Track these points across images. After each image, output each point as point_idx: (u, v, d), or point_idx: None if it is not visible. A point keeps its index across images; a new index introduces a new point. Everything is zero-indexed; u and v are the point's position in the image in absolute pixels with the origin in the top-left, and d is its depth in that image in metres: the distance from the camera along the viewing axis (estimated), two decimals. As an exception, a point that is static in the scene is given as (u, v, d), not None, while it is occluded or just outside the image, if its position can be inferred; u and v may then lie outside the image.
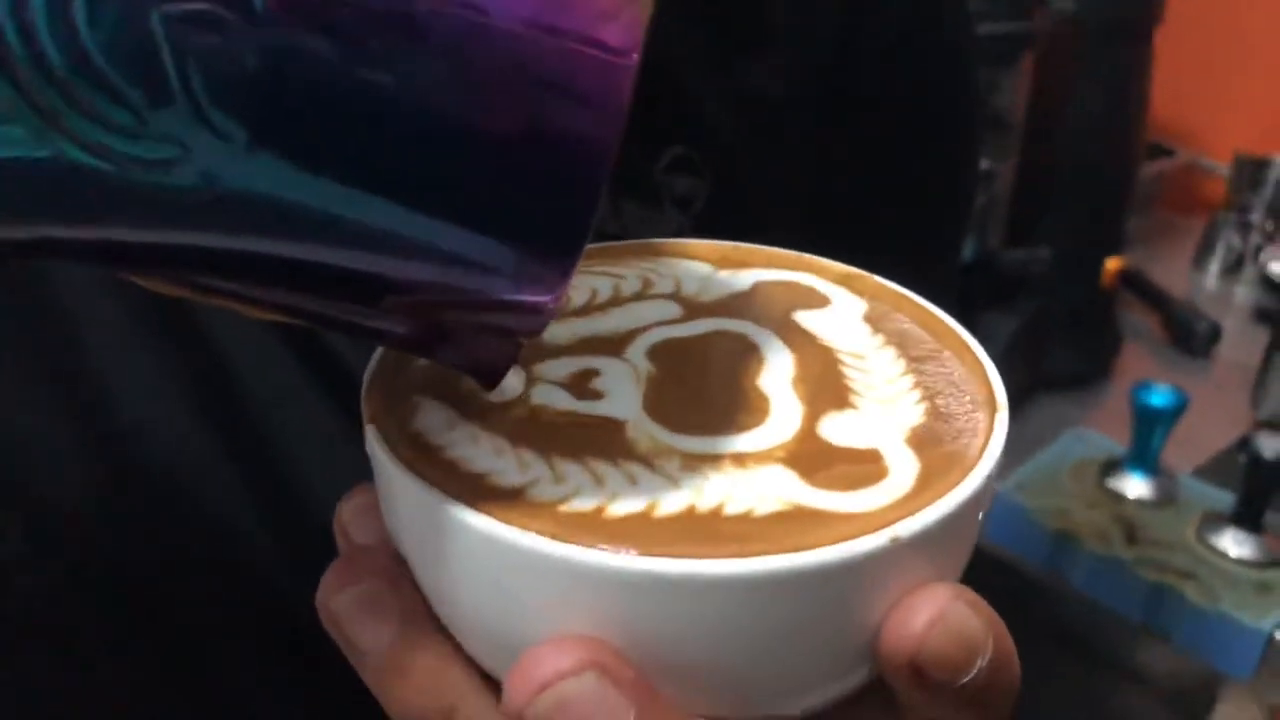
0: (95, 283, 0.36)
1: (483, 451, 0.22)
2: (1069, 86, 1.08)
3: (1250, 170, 1.35)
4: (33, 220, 0.18)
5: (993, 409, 0.25)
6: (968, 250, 1.07)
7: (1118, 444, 1.02)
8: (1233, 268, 1.35)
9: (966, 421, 0.24)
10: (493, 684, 0.23)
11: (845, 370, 0.26)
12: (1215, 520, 0.93)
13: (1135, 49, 1.09)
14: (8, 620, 0.35)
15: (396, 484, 0.22)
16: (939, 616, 0.21)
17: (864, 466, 0.23)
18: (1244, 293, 1.32)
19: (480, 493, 0.21)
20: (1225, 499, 0.95)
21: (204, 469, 0.37)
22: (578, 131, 0.18)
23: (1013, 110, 1.09)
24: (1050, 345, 1.13)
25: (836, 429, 0.24)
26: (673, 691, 0.21)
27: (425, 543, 0.22)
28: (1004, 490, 0.97)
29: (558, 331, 0.27)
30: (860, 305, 0.29)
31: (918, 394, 0.25)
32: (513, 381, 0.24)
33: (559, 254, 0.19)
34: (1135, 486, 0.98)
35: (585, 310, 0.28)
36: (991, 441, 0.23)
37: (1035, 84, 1.08)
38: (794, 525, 0.21)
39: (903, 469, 0.23)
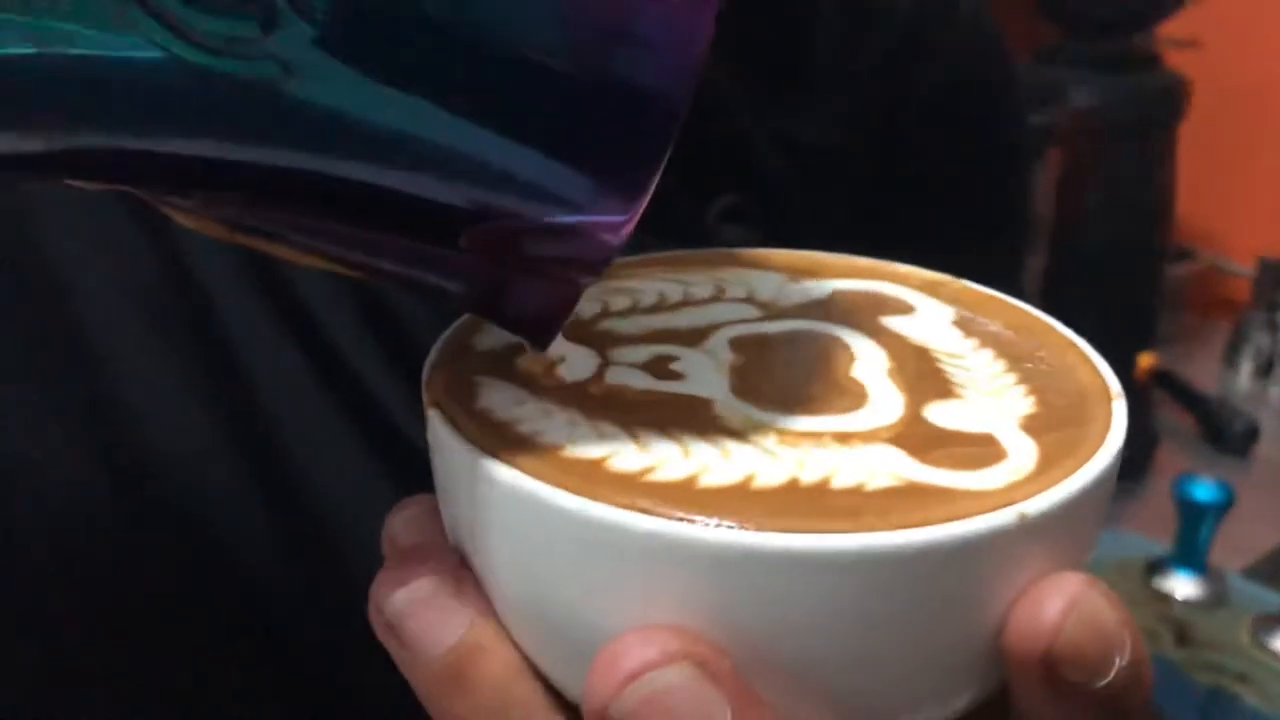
0: (123, 311, 0.34)
1: (556, 425, 0.20)
2: (1093, 180, 1.08)
3: (1275, 272, 1.35)
4: (106, 122, 0.17)
5: (1108, 398, 0.22)
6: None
7: (1157, 543, 0.98)
8: (1265, 367, 1.34)
9: (1082, 410, 0.22)
10: (566, 706, 0.21)
11: (943, 366, 0.24)
12: (1270, 622, 0.90)
13: (1157, 144, 1.10)
14: (24, 639, 0.33)
15: (460, 462, 0.20)
16: (1072, 605, 0.19)
17: (979, 449, 0.20)
18: (1278, 392, 1.30)
19: (555, 465, 0.19)
20: (1278, 600, 0.91)
21: (227, 500, 0.35)
22: (657, 66, 0.18)
23: (1038, 205, 1.09)
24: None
25: (944, 414, 0.22)
26: (772, 695, 0.18)
27: (492, 527, 0.20)
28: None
29: (628, 326, 0.25)
30: (948, 311, 0.27)
31: (1024, 387, 0.23)
32: (585, 361, 0.22)
33: (633, 174, 0.18)
34: (1184, 586, 0.94)
35: (656, 309, 0.26)
36: (1113, 426, 0.21)
37: (1059, 179, 1.08)
38: (912, 500, 0.19)
39: (1022, 451, 0.21)
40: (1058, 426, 0.22)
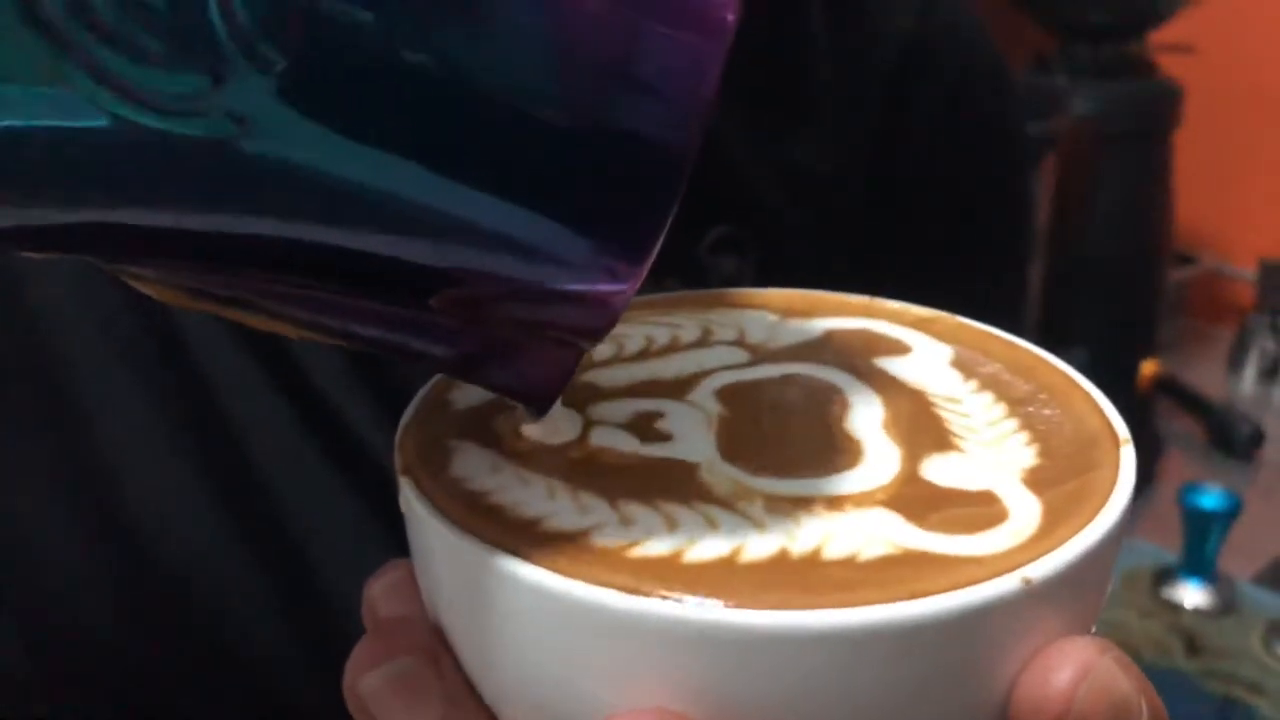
0: (113, 377, 0.34)
1: (534, 494, 0.19)
2: (1091, 187, 1.08)
3: (1277, 275, 1.34)
4: (43, 194, 0.16)
5: (1116, 442, 0.21)
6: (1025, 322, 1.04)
7: (1166, 551, 0.97)
8: (1270, 371, 1.33)
9: (1087, 459, 0.21)
10: None
11: (941, 414, 0.23)
12: (1282, 630, 0.88)
13: (1155, 150, 1.09)
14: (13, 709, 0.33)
15: (433, 536, 0.19)
16: (1084, 673, 0.18)
17: (980, 509, 0.19)
18: (1283, 395, 1.29)
19: (532, 540, 0.18)
20: (1290, 607, 0.90)
21: (219, 564, 0.34)
22: (661, 113, 0.16)
23: (1037, 214, 1.08)
24: (1089, 451, 1.09)
25: (941, 471, 0.21)
26: None
27: (468, 603, 0.19)
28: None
29: (612, 376, 0.24)
30: (945, 350, 0.26)
31: (1026, 435, 0.22)
32: (567, 423, 0.21)
33: (635, 241, 0.17)
34: (1193, 595, 0.93)
35: (642, 356, 0.25)
36: (1121, 476, 0.20)
37: (1058, 186, 1.07)
38: (908, 570, 0.18)
39: (1025, 510, 0.19)
40: (1062, 479, 0.21)
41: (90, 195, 0.16)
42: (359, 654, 0.20)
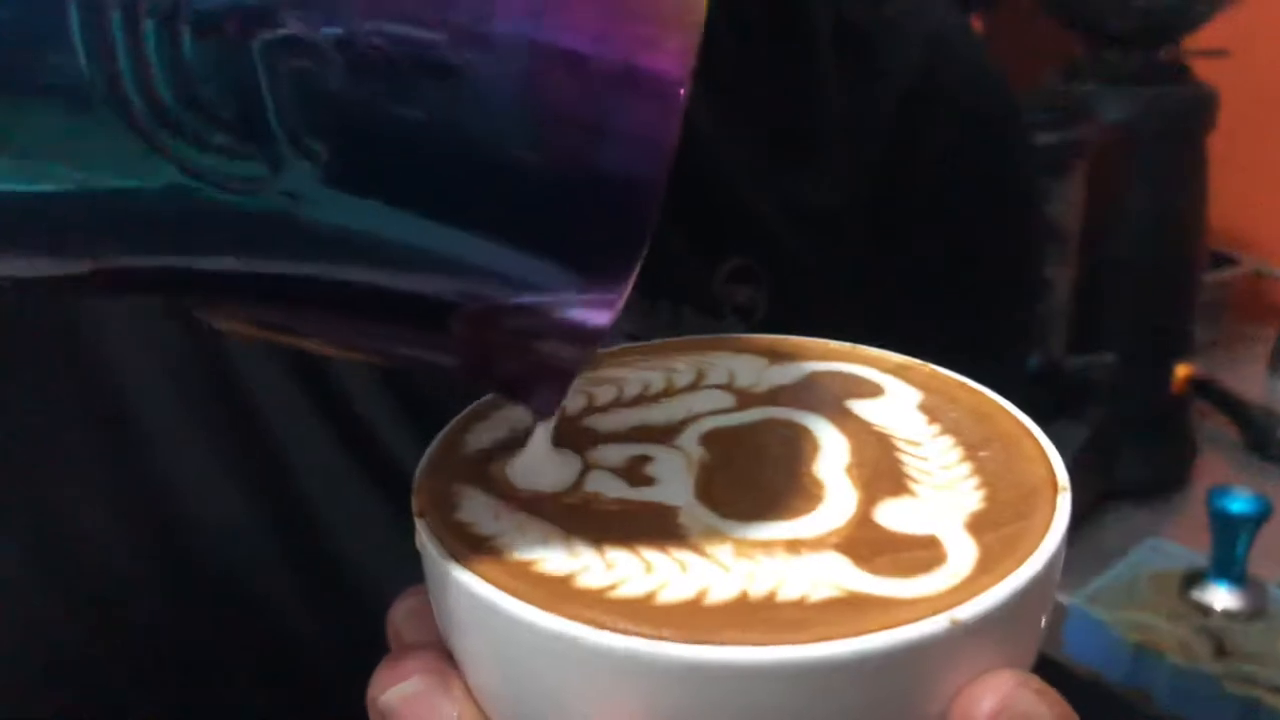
0: (166, 396, 0.37)
1: (531, 540, 0.22)
2: (1123, 193, 1.08)
3: (1319, 274, 1.33)
4: (138, 248, 0.20)
5: (1054, 490, 0.24)
6: (1031, 359, 1.05)
7: (1198, 554, 0.98)
8: (1309, 372, 1.32)
9: (1027, 505, 0.24)
10: None
11: (901, 457, 0.25)
12: (1310, 633, 0.89)
13: (1187, 154, 1.09)
14: (59, 691, 0.36)
15: (442, 575, 0.22)
16: (1003, 704, 0.20)
17: (921, 553, 0.22)
18: (1322, 397, 1.28)
19: (526, 580, 0.21)
20: (1318, 611, 0.91)
21: (259, 561, 0.38)
22: (625, 161, 0.19)
23: (1068, 218, 1.09)
24: (1122, 453, 1.10)
25: (893, 515, 0.23)
26: None
27: (470, 634, 0.22)
28: (1079, 603, 0.93)
29: (612, 421, 0.27)
30: (915, 395, 0.28)
31: (976, 480, 0.25)
32: (566, 469, 0.24)
33: (617, 261, 0.20)
34: (1222, 598, 0.94)
35: (638, 401, 0.28)
36: (1054, 522, 0.23)
37: (1089, 192, 1.08)
38: (850, 612, 0.20)
39: (961, 554, 0.22)
40: (1001, 523, 0.23)
41: (163, 247, 0.21)
42: (380, 672, 0.23)
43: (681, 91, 0.19)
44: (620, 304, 0.21)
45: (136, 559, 0.37)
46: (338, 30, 0.18)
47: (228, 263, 0.21)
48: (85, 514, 0.37)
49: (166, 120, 0.18)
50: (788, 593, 0.21)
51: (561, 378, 0.23)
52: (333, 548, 0.39)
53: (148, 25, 0.18)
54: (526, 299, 0.21)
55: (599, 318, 0.21)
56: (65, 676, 0.38)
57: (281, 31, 0.18)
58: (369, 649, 0.25)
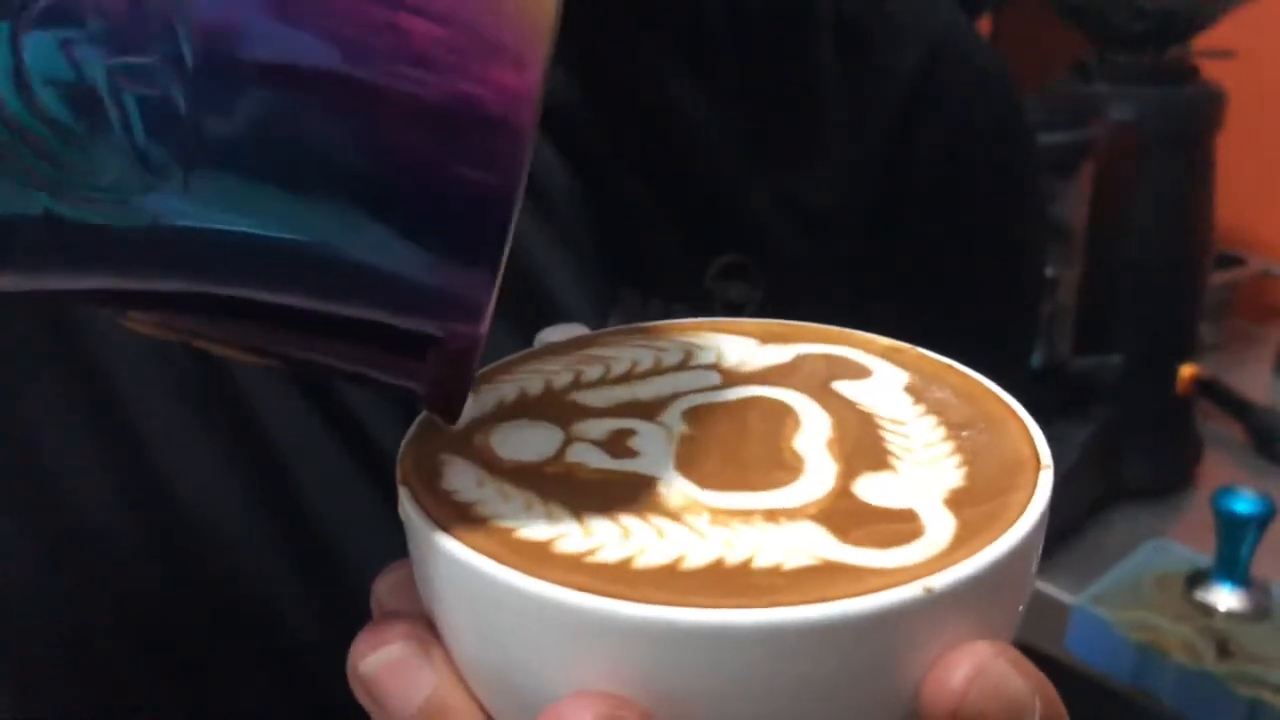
0: (164, 396, 0.38)
1: (512, 507, 0.22)
2: (1130, 193, 1.08)
3: (1328, 276, 1.33)
4: (19, 272, 0.21)
5: (1037, 468, 0.24)
6: (1036, 358, 1.05)
7: (1202, 554, 0.98)
8: (1316, 374, 1.31)
9: (1009, 481, 0.24)
10: None
11: (883, 434, 0.26)
12: (1314, 635, 0.89)
13: (1195, 155, 1.09)
14: (58, 689, 0.37)
15: (425, 541, 0.22)
16: (977, 673, 0.20)
17: (899, 525, 0.22)
18: (1330, 399, 1.28)
19: (506, 546, 0.21)
20: (1322, 612, 0.90)
21: (259, 560, 0.38)
22: (477, 177, 0.19)
23: (1074, 218, 1.08)
24: (1127, 454, 1.10)
25: (872, 489, 0.23)
26: None
27: (450, 599, 0.22)
28: (1083, 603, 0.93)
29: (598, 397, 0.27)
30: (902, 376, 0.28)
31: (958, 458, 0.25)
32: (546, 439, 0.24)
33: (475, 269, 0.20)
34: (1226, 599, 0.94)
35: (626, 378, 0.28)
36: (1035, 497, 0.23)
37: (1096, 192, 1.08)
38: (824, 579, 0.20)
39: (939, 527, 0.22)
40: (982, 499, 0.23)
41: (57, 268, 0.21)
42: (360, 641, 0.23)
43: (531, 109, 0.19)
44: (488, 311, 0.21)
45: (137, 558, 0.38)
46: (167, 42, 0.18)
47: (117, 280, 0.21)
48: (85, 514, 0.38)
49: (35, 149, 0.19)
50: (764, 560, 0.21)
51: (455, 385, 0.23)
52: (332, 547, 0.39)
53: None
54: (397, 311, 0.21)
55: (467, 326, 0.21)
56: (65, 675, 0.38)
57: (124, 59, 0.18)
58: (355, 628, 0.25)
